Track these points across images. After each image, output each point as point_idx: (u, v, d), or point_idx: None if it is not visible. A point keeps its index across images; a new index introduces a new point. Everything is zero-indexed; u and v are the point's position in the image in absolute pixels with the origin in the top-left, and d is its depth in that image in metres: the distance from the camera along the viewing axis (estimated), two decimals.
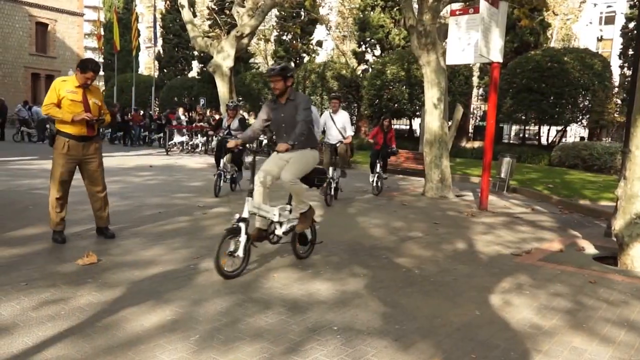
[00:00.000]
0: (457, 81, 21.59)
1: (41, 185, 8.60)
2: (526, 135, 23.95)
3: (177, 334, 3.15)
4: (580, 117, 19.76)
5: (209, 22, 33.02)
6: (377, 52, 28.84)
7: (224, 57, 14.29)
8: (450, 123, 11.09)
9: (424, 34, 10.26)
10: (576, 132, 23.93)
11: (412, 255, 5.47)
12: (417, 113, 22.05)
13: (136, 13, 34.97)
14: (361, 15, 28.62)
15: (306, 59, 33.77)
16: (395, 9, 27.01)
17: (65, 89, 5.13)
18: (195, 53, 37.21)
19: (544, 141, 22.87)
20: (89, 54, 54.44)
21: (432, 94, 10.36)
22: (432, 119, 10.37)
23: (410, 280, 4.56)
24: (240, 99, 24.88)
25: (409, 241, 6.17)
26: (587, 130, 22.36)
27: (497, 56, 9.03)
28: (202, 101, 28.30)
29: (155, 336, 3.10)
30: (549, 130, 23.35)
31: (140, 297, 3.72)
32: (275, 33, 35.43)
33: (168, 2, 39.31)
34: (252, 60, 38.83)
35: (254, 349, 3.01)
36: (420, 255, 5.49)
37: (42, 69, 37.56)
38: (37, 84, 37.00)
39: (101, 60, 44.40)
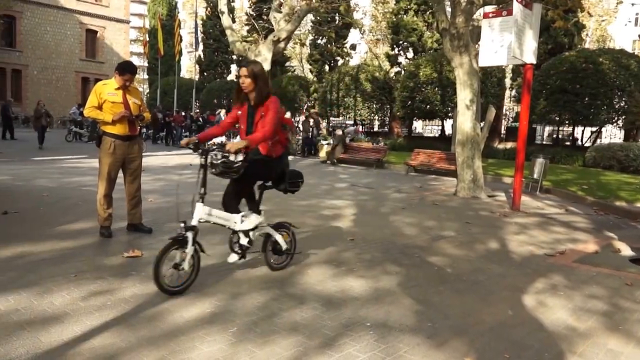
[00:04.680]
0: (489, 83, 21.37)
1: (90, 183, 8.88)
2: (559, 137, 23.45)
3: (215, 326, 3.27)
4: (616, 118, 19.28)
5: (247, 28, 33.53)
6: (410, 54, 28.74)
7: (261, 60, 14.50)
8: (482, 124, 11.02)
9: (456, 37, 10.24)
10: (611, 133, 23.32)
11: (445, 254, 5.49)
12: (450, 114, 21.90)
13: (179, 20, 35.98)
14: (394, 19, 28.57)
15: (340, 62, 33.86)
16: (428, 13, 26.88)
17: (106, 92, 5.38)
18: (234, 57, 37.77)
19: (578, 142, 22.40)
20: (134, 59, 55.93)
21: (464, 96, 10.33)
22: (465, 120, 10.33)
23: (443, 279, 4.59)
24: None
25: (441, 240, 6.19)
26: (622, 132, 21.76)
27: (530, 58, 8.94)
28: None
29: (195, 328, 3.22)
30: (583, 131, 22.84)
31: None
32: (310, 37, 35.64)
33: (209, 8, 40.14)
34: (288, 63, 39.25)
35: (289, 342, 3.10)
36: (452, 254, 5.51)
37: (91, 73, 38.94)
38: (86, 88, 38.24)
39: (146, 64, 45.57)
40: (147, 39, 41.51)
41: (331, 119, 27.87)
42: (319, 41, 34.51)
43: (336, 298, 3.93)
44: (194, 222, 3.83)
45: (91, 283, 3.98)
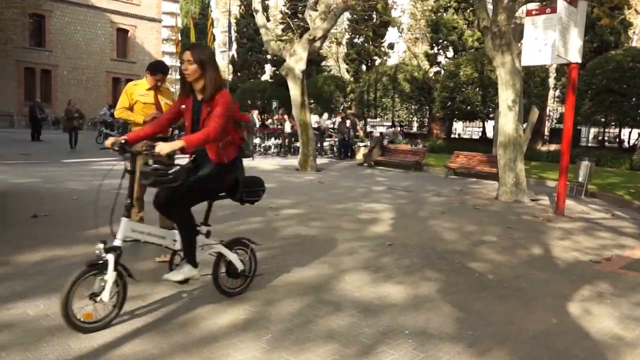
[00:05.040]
0: (532, 82, 20.81)
1: (122, 185, 8.98)
2: (605, 138, 22.64)
3: (249, 333, 3.24)
4: None
5: (281, 26, 33.65)
6: (450, 53, 28.29)
7: (297, 60, 14.51)
8: (525, 125, 10.73)
9: (498, 35, 10.00)
10: None
11: (486, 260, 5.34)
12: (491, 115, 21.46)
13: (211, 18, 36.19)
14: (434, 17, 28.18)
15: (378, 61, 33.63)
16: (468, 10, 26.41)
17: (137, 93, 5.30)
18: (268, 56, 37.89)
19: (625, 144, 21.59)
20: (166, 59, 56.73)
21: (506, 96, 10.07)
22: (507, 121, 10.07)
23: (484, 285, 4.46)
24: (312, 101, 25.14)
25: (482, 245, 6.03)
26: None
27: (575, 57, 8.64)
28: (274, 104, 28.87)
29: (228, 335, 3.19)
30: (630, 132, 21.98)
31: (214, 297, 3.83)
32: (347, 36, 35.54)
33: (243, 7, 40.32)
34: (323, 63, 39.17)
35: (325, 350, 3.04)
36: (494, 260, 5.35)
37: (122, 73, 39.10)
38: (117, 88, 38.83)
39: (178, 64, 46.05)
40: (180, 38, 41.76)
41: (368, 120, 27.71)
42: (355, 40, 34.33)
43: (374, 305, 3.85)
44: (116, 242, 3.19)
45: None
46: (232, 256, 3.77)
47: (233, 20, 38.84)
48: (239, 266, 3.80)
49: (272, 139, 20.58)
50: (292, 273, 4.55)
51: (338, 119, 21.61)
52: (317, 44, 15.10)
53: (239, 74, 42.30)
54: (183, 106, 3.55)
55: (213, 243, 3.70)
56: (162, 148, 3.07)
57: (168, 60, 57.94)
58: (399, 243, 5.88)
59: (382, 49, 33.94)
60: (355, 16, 30.99)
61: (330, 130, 21.43)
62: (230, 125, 3.53)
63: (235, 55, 41.93)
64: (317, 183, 11.74)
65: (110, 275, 3.08)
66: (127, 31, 40.11)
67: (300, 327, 3.37)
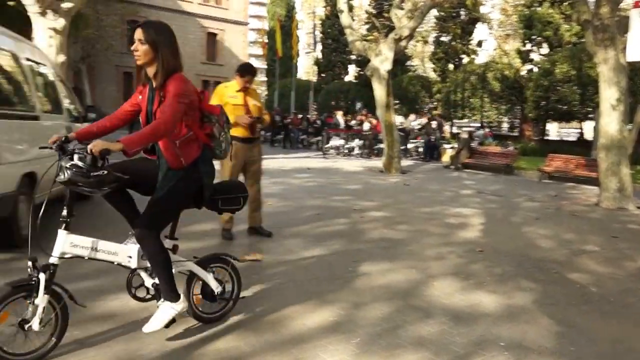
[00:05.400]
0: (638, 80, 19.29)
1: None
2: None
3: (338, 335, 3.20)
4: None
5: (366, 26, 33.53)
6: (544, 50, 26.87)
7: (382, 60, 14.34)
8: (630, 126, 9.94)
9: (600, 29, 9.32)
10: None
11: (587, 271, 4.97)
12: (590, 115, 20.15)
13: (296, 20, 36.67)
14: (527, 12, 26.91)
15: (465, 60, 32.62)
16: (565, 3, 24.98)
17: (227, 95, 5.45)
18: (353, 57, 37.92)
19: None
20: (252, 61, 58.22)
21: (609, 94, 9.37)
22: (609, 122, 9.37)
23: (586, 298, 4.14)
24: (397, 101, 24.85)
25: (582, 255, 5.62)
26: None
27: None
28: (358, 105, 28.83)
29: (317, 336, 3.18)
30: None
31: (302, 297, 3.84)
32: (433, 34, 34.79)
33: (328, 7, 40.62)
34: (408, 62, 38.58)
35: (415, 357, 2.94)
36: (596, 271, 4.97)
37: (211, 76, 40.53)
38: (206, 90, 40.61)
39: (264, 67, 47.18)
40: (266, 40, 42.64)
41: (454, 121, 26.96)
42: (442, 38, 33.50)
43: (465, 313, 3.68)
44: (52, 259, 2.63)
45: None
46: (205, 276, 3.19)
47: (318, 22, 39.25)
48: (215, 287, 3.20)
49: (356, 139, 20.53)
50: (378, 276, 4.47)
51: (423, 120, 21.19)
52: (403, 43, 14.84)
53: (323, 75, 42.69)
54: (140, 97, 2.93)
55: (182, 260, 3.13)
56: (96, 144, 2.47)
57: (254, 63, 59.13)
58: (490, 250, 5.62)
59: (471, 46, 32.87)
60: (442, 14, 30.23)
61: (417, 130, 21.04)
62: (194, 119, 2.90)
63: (320, 56, 42.37)
64: (402, 185, 11.55)
65: (41, 299, 2.56)
66: (215, 35, 41.65)
67: (389, 332, 3.28)
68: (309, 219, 6.91)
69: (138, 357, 2.80)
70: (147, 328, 2.87)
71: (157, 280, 2.93)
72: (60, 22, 9.84)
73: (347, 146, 20.50)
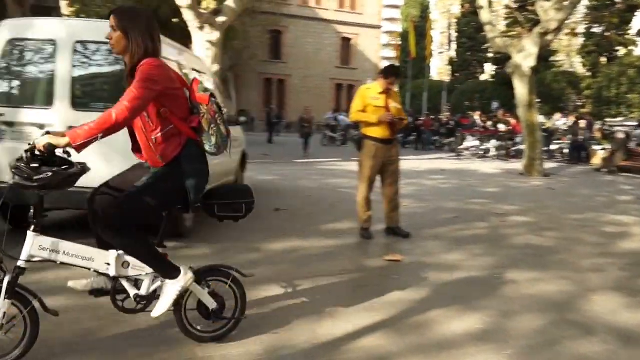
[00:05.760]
0: None
1: (345, 185, 9.38)
2: None
3: (488, 344, 3.02)
4: None
5: (506, 22, 31.88)
6: None
7: (525, 56, 13.50)
8: None
9: None
10: None
11: None
12: None
13: (430, 20, 36.03)
14: None
15: (621, 52, 29.64)
16: None
17: (369, 96, 5.51)
18: (489, 55, 36.39)
19: None
20: (385, 64, 58.25)
21: None
22: None
23: None
24: (539, 100, 23.31)
25: None
26: None
27: None
28: (495, 104, 27.53)
29: (465, 343, 3.03)
30: None
31: (445, 301, 3.70)
32: (583, 26, 32.06)
33: (464, 5, 39.37)
34: (552, 57, 36.02)
35: None
36: None
37: (344, 80, 41.96)
38: (340, 94, 41.43)
39: None
40: (399, 42, 42.53)
41: (606, 119, 24.65)
42: (593, 29, 30.73)
43: (635, 333, 3.28)
44: (19, 262, 2.38)
45: (357, 282, 4.12)
46: (199, 291, 2.74)
47: (453, 21, 38.17)
48: (210, 304, 2.76)
49: (492, 140, 19.59)
50: (527, 285, 4.18)
51: (570, 120, 19.65)
52: (550, 37, 13.85)
53: (457, 74, 41.48)
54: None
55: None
56: (40, 140, 2.22)
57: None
58: None
59: (628, 36, 29.80)
60: (595, 2, 27.75)
61: (562, 131, 19.57)
62: (175, 110, 2.53)
63: (454, 56, 41.21)
64: (546, 189, 10.78)
65: (3, 304, 2.34)
66: (349, 39, 42.71)
67: (544, 347, 3.03)
68: (446, 222, 6.69)
69: (290, 347, 2.87)
70: (155, 312, 2.58)
71: (141, 292, 2.59)
72: (216, 35, 10.94)
73: (482, 147, 19.67)
